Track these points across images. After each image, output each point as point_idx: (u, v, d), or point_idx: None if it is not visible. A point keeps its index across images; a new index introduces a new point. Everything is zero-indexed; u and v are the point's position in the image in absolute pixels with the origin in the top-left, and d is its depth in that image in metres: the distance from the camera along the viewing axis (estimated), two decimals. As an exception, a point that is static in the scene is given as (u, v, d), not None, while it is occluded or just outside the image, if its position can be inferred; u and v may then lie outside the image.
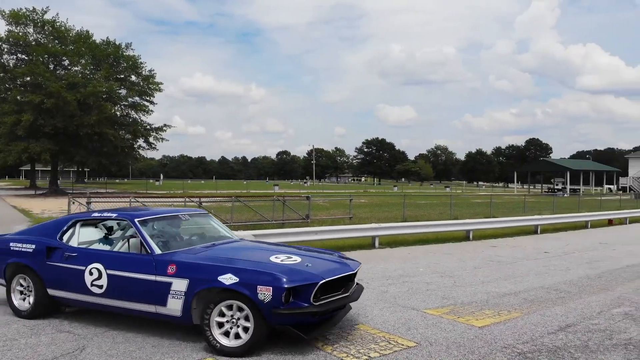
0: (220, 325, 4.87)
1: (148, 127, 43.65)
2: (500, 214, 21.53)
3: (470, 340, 5.29)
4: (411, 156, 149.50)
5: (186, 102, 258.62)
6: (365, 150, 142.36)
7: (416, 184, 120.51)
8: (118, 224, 6.03)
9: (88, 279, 5.44)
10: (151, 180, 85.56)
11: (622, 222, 22.04)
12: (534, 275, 9.20)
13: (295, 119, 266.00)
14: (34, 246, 5.90)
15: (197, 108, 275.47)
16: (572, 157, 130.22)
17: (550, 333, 5.59)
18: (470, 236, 14.90)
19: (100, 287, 5.38)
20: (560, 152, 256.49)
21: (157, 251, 5.31)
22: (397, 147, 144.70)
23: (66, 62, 40.15)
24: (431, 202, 33.00)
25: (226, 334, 4.85)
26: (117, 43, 41.59)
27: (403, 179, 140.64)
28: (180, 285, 4.97)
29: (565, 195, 56.31)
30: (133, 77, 42.42)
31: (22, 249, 5.96)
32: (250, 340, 4.75)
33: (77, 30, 40.74)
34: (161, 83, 43.19)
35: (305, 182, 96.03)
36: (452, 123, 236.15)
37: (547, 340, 5.35)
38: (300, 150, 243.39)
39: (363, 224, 14.70)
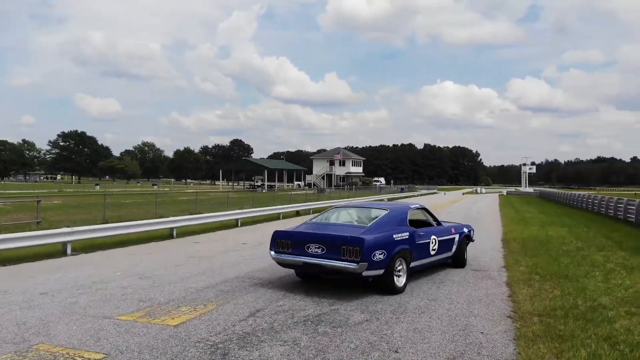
0: None
1: None
2: (205, 209, 22.16)
3: (164, 341, 5.18)
4: (116, 152, 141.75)
5: None
6: (62, 144, 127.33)
7: (122, 182, 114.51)
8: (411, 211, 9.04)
9: (431, 247, 8.54)
10: None
11: (307, 212, 25.59)
12: (231, 266, 9.75)
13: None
14: (407, 234, 7.83)
15: None
16: (270, 157, 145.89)
17: (242, 320, 5.99)
18: (174, 234, 14.85)
19: (435, 250, 8.67)
20: (260, 152, 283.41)
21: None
22: (100, 142, 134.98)
23: None
24: (137, 200, 31.62)
25: None
26: None
27: (107, 177, 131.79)
28: (457, 238, 9.72)
29: (264, 190, 62.34)
30: None
31: (402, 238, 7.68)
32: None
33: None
34: None
35: (-20, 182, 79.43)
36: (160, 120, 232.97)
37: (238, 327, 5.70)
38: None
39: (54, 228, 12.96)
